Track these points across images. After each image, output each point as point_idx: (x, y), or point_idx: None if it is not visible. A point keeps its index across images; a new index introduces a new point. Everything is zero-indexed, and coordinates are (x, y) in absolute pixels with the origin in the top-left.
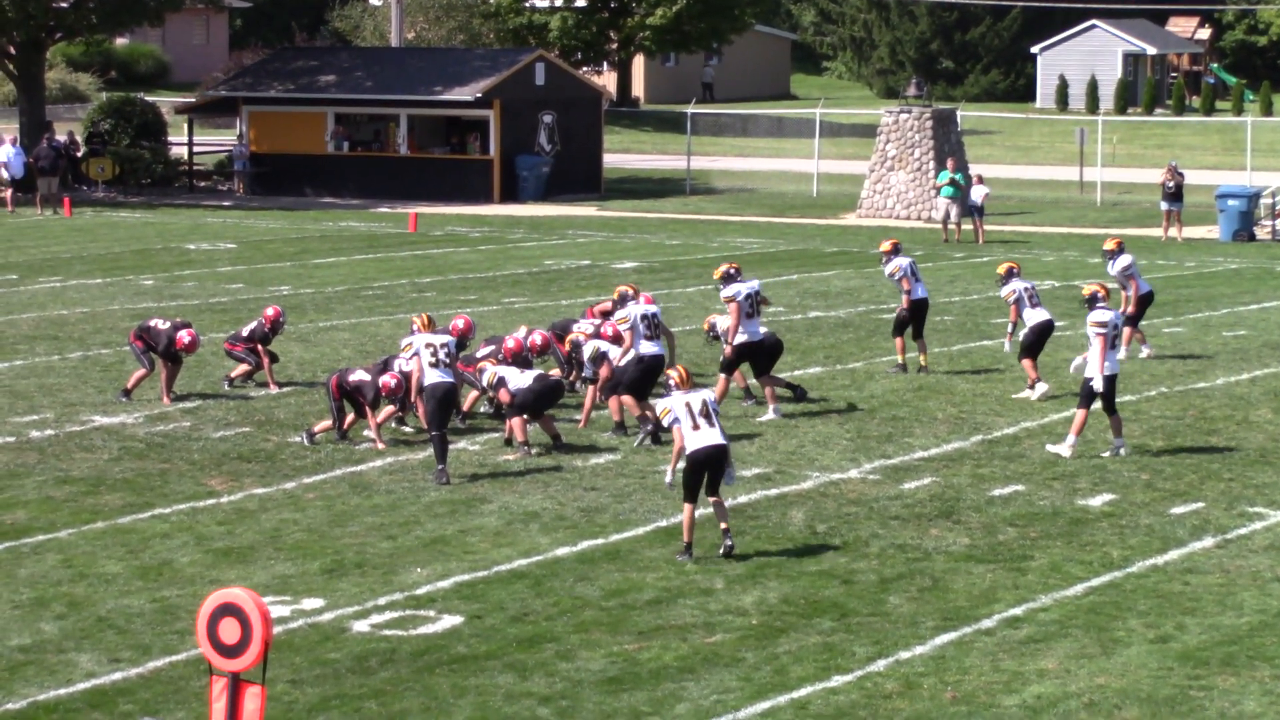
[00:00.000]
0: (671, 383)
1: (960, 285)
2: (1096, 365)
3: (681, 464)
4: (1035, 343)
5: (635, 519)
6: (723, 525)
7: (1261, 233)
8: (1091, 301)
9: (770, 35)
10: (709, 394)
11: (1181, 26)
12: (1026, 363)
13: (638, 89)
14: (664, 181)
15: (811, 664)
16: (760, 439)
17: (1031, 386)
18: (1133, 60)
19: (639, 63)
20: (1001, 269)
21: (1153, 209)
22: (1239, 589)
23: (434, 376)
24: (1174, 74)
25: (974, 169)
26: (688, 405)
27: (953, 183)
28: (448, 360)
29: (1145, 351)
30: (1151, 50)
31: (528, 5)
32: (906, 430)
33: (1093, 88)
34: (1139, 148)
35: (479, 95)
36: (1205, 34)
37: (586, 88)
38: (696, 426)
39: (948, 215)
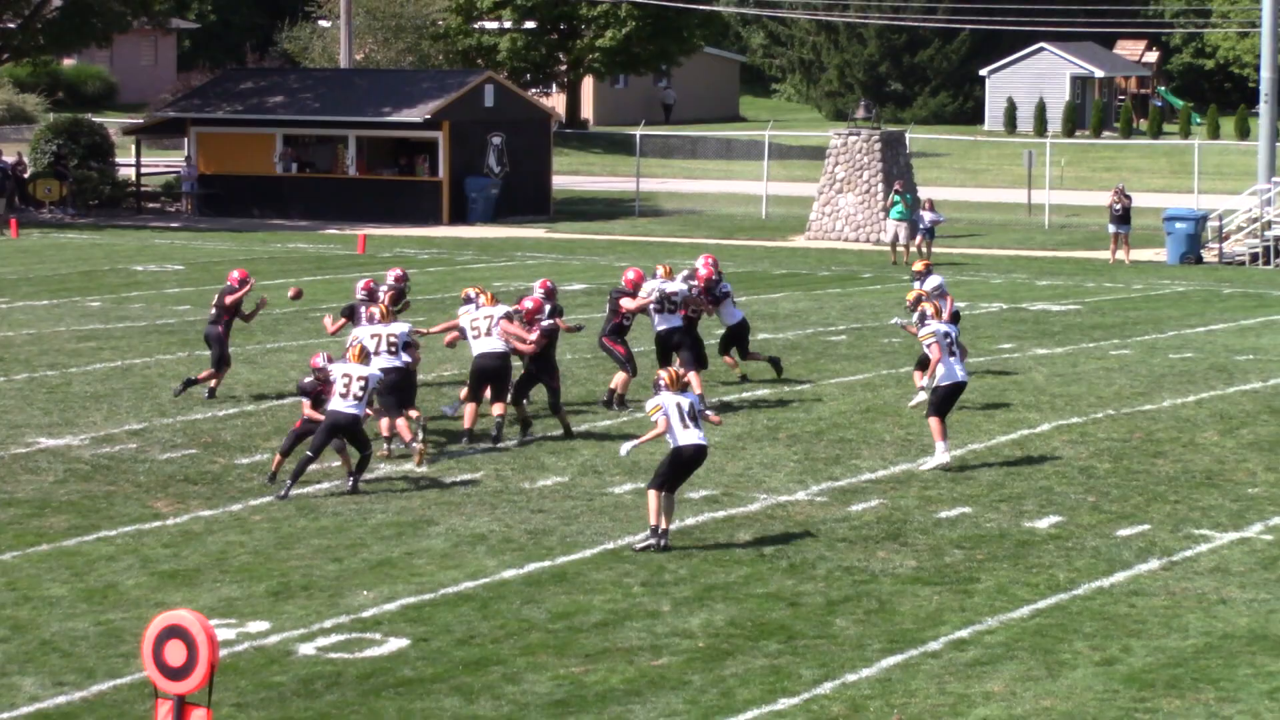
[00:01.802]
0: (662, 383)
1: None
2: (943, 372)
3: (636, 450)
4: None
5: (583, 541)
6: (666, 524)
7: (1208, 255)
8: (921, 318)
9: (719, 57)
10: (695, 398)
11: (1129, 49)
12: (917, 374)
13: (587, 111)
14: (613, 203)
15: (758, 686)
16: (707, 461)
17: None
18: (1080, 83)
19: (588, 84)
20: (910, 297)
21: (1100, 231)
22: (1184, 611)
23: (337, 405)
24: (1121, 97)
25: (923, 192)
26: (678, 405)
27: (903, 205)
28: (360, 394)
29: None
30: (1099, 73)
31: (477, 27)
32: (854, 452)
33: (1041, 110)
34: (1087, 170)
35: (428, 116)
36: (1153, 57)
37: (535, 109)
38: (686, 425)
39: (896, 237)
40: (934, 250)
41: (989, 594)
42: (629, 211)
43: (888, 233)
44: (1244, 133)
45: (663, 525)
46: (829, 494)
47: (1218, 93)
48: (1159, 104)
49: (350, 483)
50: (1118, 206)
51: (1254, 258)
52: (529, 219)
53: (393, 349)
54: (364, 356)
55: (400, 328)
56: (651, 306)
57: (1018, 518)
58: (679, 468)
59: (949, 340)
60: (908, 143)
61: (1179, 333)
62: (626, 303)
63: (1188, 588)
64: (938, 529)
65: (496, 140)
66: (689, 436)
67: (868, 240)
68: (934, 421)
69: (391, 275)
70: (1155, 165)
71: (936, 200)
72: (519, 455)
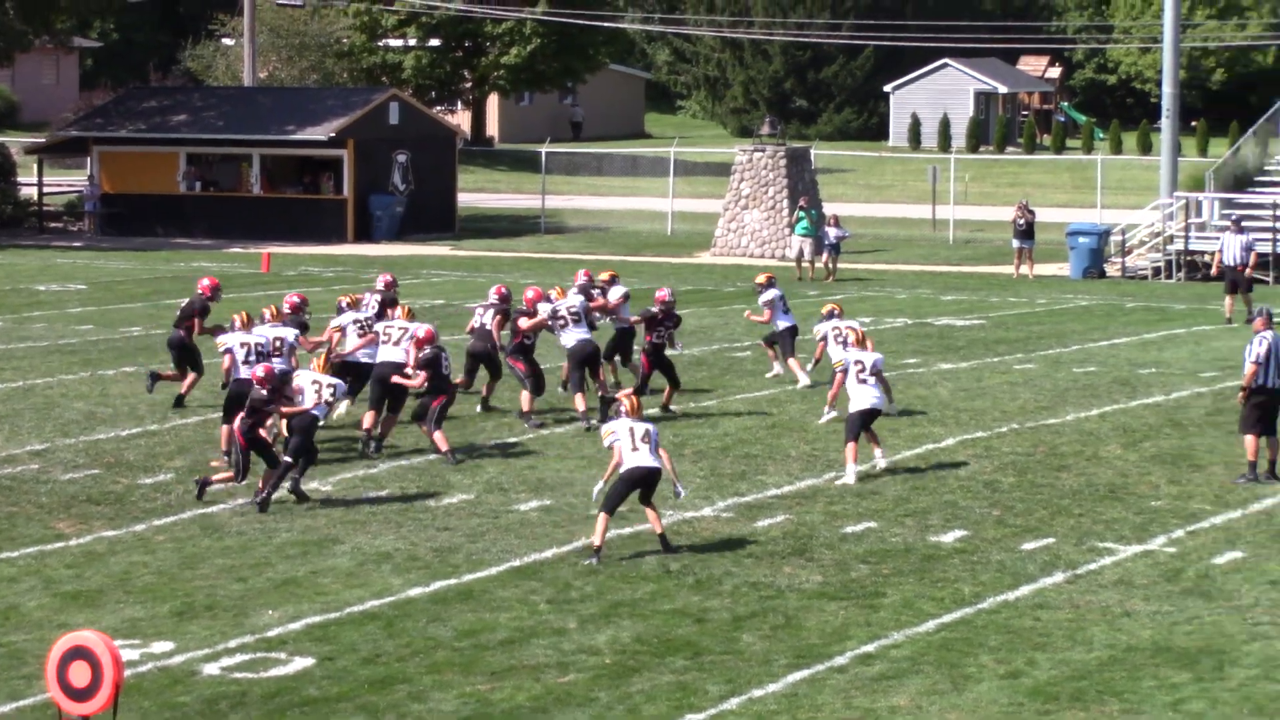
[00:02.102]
0: (622, 409)
1: (815, 323)
2: (854, 398)
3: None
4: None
5: (489, 559)
6: (660, 530)
7: (1111, 270)
8: (843, 342)
9: (625, 74)
10: (652, 426)
11: (1032, 65)
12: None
13: (492, 128)
14: (518, 220)
15: (664, 703)
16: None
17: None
18: (984, 99)
19: (493, 102)
20: (825, 309)
21: (1004, 246)
22: (1089, 624)
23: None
24: (1025, 113)
25: (828, 209)
26: (630, 430)
27: (808, 221)
28: (330, 400)
29: (775, 369)
30: (1003, 89)
31: (381, 44)
32: (760, 468)
33: (945, 126)
34: (991, 186)
35: (332, 134)
36: (1056, 73)
37: (440, 127)
38: (635, 449)
39: (801, 253)
40: (839, 266)
41: (895, 608)
42: (534, 229)
43: (793, 248)
44: (1146, 148)
45: (601, 544)
46: (735, 510)
47: (1120, 108)
48: (1062, 119)
49: (260, 497)
50: (1021, 221)
51: (1156, 272)
52: (434, 237)
53: (262, 358)
54: (332, 368)
55: (263, 338)
56: (554, 324)
57: (923, 532)
58: (627, 487)
59: (860, 367)
60: (813, 159)
61: (1082, 347)
62: (524, 322)
63: (1092, 600)
64: (843, 544)
65: (401, 158)
66: (637, 459)
67: (773, 256)
68: (849, 447)
69: (381, 281)
70: (1058, 180)
71: (841, 216)
72: (424, 473)
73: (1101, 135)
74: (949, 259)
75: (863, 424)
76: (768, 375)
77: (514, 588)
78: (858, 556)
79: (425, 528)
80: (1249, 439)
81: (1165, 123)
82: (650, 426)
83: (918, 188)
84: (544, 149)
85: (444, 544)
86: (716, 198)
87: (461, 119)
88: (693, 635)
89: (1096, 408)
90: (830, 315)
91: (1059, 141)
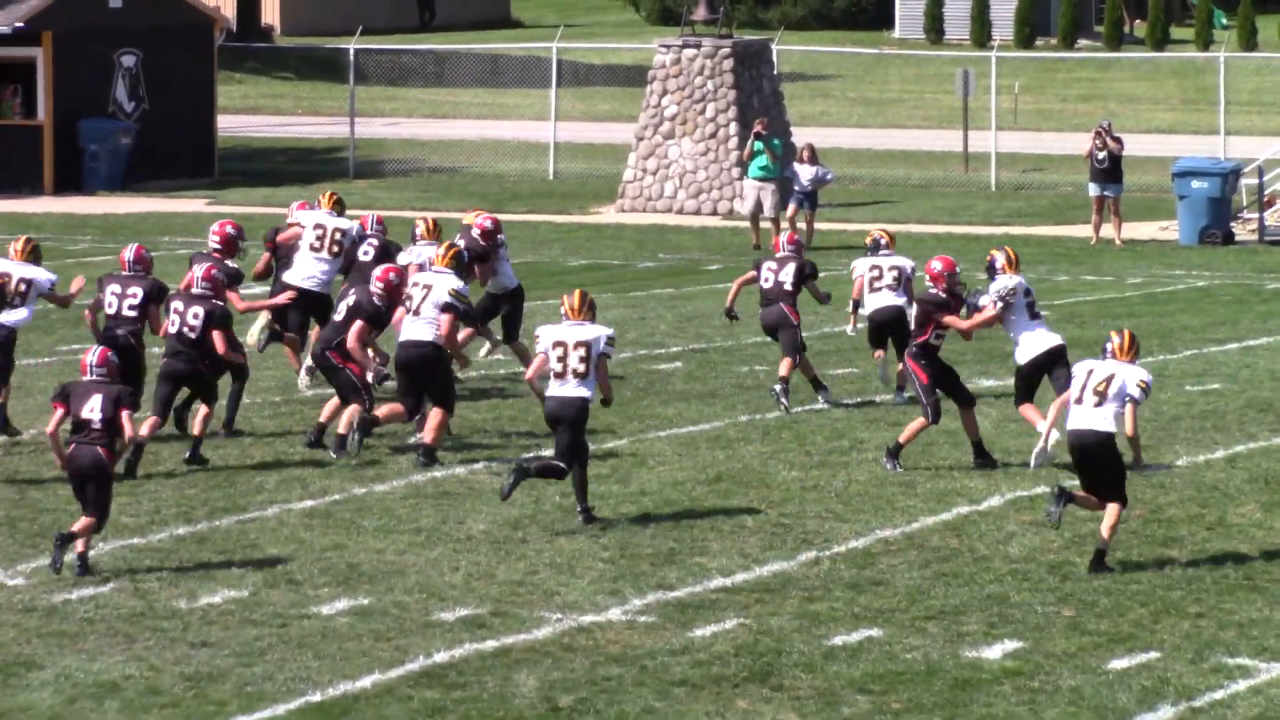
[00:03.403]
0: (1108, 349)
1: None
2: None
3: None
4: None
5: (272, 691)
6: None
7: (1243, 230)
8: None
9: None
10: (1134, 371)
11: None
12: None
13: (271, 15)
14: (313, 158)
15: None
16: (465, 561)
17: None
18: None
19: None
20: (870, 237)
21: (1076, 195)
22: None
23: None
24: None
25: (801, 136)
26: (1089, 371)
27: (768, 155)
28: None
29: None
30: None
31: None
32: (698, 543)
33: (981, 8)
34: (1054, 99)
35: (19, 25)
36: None
37: (192, 13)
38: (1080, 400)
39: (759, 206)
40: (816, 226)
41: None
42: (339, 170)
43: (746, 200)
44: None
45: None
46: (659, 610)
47: None
48: None
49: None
50: (1102, 155)
51: None
52: (181, 184)
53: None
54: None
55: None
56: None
57: (954, 643)
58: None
59: (1014, 294)
60: (775, 59)
61: (1200, 352)
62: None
63: None
64: (830, 663)
65: (129, 61)
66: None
67: (714, 211)
68: (1024, 409)
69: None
70: (1160, 90)
71: (822, 148)
72: (170, 554)
73: (1225, 20)
74: (990, 215)
75: (1040, 374)
76: (481, 354)
77: None
78: (853, 683)
79: (173, 642)
80: None
81: None
82: (1119, 372)
83: (940, 104)
84: (352, 44)
85: (202, 669)
86: (626, 121)
87: (223, 2)
88: None
89: (1222, 447)
90: (877, 246)
91: (1160, 30)
